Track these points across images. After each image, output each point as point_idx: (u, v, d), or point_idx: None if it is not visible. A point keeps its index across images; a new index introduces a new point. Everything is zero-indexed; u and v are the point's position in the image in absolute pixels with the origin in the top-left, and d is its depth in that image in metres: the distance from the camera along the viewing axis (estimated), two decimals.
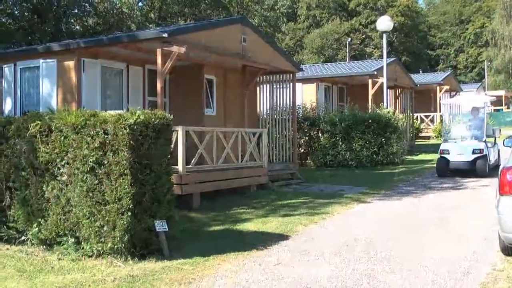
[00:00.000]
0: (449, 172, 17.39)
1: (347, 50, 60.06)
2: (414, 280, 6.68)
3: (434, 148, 27.72)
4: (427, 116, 36.69)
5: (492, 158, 17.70)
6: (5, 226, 8.87)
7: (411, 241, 8.76)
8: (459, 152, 17.07)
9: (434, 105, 37.06)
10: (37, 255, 8.20)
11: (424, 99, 36.82)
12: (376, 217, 11.26)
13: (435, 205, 12.48)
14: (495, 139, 18.86)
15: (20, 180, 8.63)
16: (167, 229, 7.98)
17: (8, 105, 14.07)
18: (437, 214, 11.23)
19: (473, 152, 16.86)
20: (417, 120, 34.96)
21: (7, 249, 8.62)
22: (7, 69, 14.15)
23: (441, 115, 19.07)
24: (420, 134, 35.08)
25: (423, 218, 10.91)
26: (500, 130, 18.93)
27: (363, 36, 79.05)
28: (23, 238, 8.70)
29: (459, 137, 17.89)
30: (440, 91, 36.22)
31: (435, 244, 8.56)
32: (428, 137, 35.35)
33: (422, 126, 35.78)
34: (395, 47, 77.62)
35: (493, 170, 16.35)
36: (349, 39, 65.36)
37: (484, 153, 16.87)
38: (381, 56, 22.55)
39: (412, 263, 7.45)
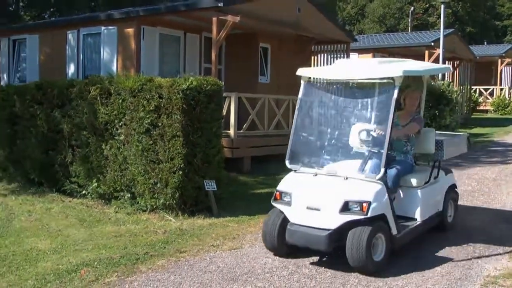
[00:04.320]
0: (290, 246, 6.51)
1: (410, 20, 58.88)
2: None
3: (490, 122, 27.39)
4: (486, 89, 35.90)
5: (419, 215, 6.90)
6: (68, 181, 9.64)
7: None
8: (310, 203, 6.21)
9: (495, 78, 36.21)
10: (96, 208, 8.92)
11: (485, 72, 35.95)
12: None
13: (477, 176, 12.59)
14: (438, 168, 7.64)
15: (81, 138, 9.32)
16: (215, 189, 8.49)
17: (71, 69, 14.83)
18: (479, 186, 11.34)
19: (344, 208, 5.97)
20: (475, 93, 34.32)
21: (70, 201, 9.40)
22: (70, 35, 14.86)
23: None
24: (478, 108, 34.48)
25: (463, 189, 10.94)
26: (469, 140, 8.62)
27: (427, 5, 76.97)
28: (83, 192, 9.44)
29: (326, 162, 6.83)
30: (502, 64, 35.29)
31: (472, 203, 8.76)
32: (486, 111, 34.68)
33: (480, 100, 35.10)
34: (459, 17, 75.36)
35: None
36: (412, 8, 63.94)
37: (373, 213, 5.91)
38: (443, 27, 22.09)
39: None
